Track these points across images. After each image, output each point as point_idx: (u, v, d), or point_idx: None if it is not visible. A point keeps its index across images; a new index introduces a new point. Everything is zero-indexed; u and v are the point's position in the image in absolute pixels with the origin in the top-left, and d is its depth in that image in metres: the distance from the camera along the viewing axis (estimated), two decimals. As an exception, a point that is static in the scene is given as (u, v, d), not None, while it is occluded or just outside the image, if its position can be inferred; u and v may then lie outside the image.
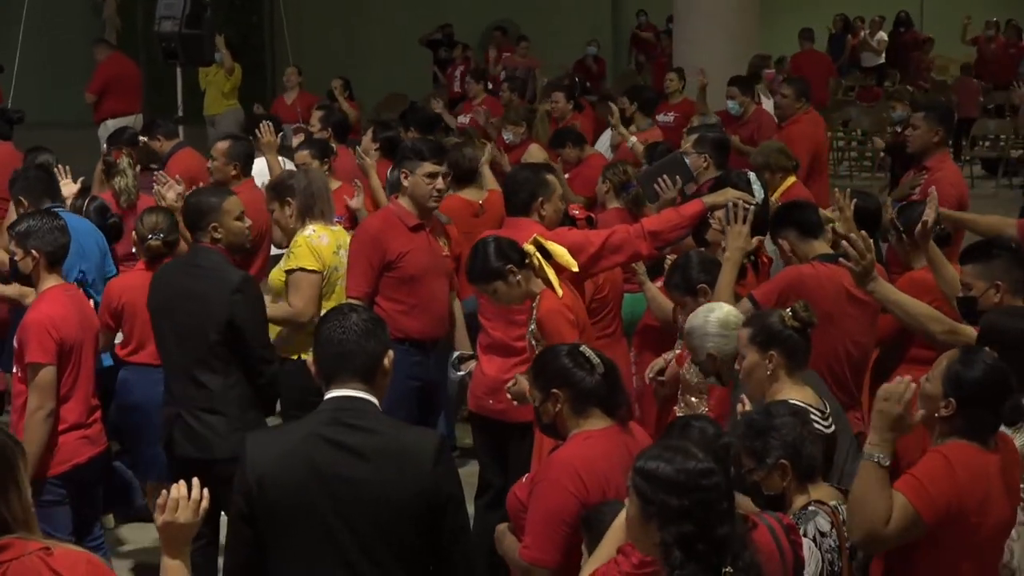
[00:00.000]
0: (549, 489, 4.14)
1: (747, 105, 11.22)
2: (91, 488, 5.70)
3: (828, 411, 4.59)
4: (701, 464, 3.31)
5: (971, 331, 5.01)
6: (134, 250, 6.60)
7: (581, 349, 4.31)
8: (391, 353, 3.78)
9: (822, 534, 4.01)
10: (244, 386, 5.57)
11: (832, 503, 4.05)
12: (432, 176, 6.39)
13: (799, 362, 4.67)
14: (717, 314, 5.13)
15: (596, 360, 4.26)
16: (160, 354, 5.85)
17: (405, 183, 6.47)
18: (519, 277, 5.41)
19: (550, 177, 6.20)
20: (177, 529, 3.38)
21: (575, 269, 5.48)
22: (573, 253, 5.63)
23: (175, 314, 5.66)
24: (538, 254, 5.41)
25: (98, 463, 5.69)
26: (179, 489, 3.38)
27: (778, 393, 4.55)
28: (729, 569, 3.21)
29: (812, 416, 4.40)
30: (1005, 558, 4.27)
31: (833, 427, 4.55)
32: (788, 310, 4.70)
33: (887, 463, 3.83)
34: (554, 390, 4.22)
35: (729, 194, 5.89)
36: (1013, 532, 4.36)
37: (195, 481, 3.44)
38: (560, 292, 5.41)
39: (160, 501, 3.37)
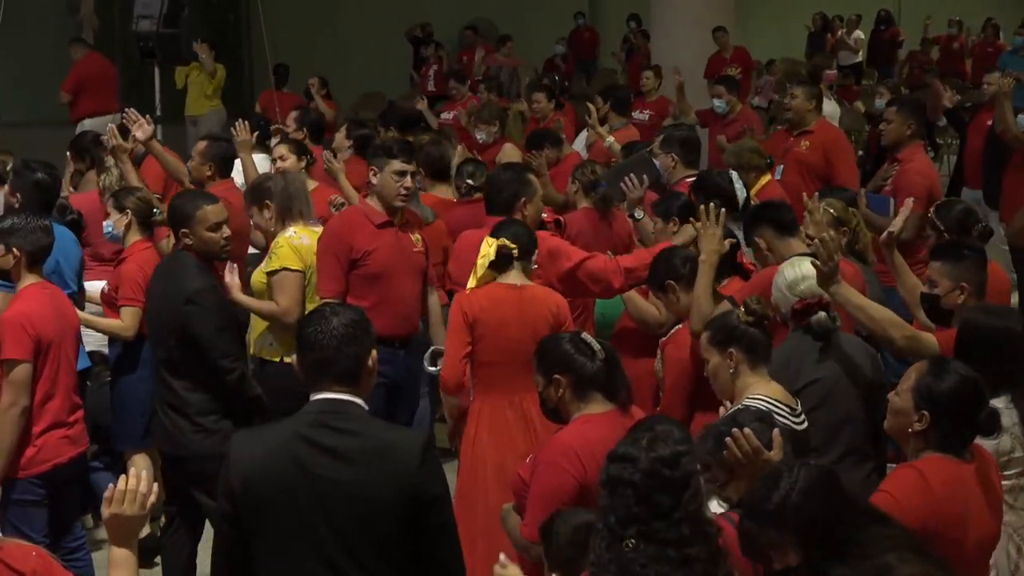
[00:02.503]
0: (548, 469, 4.30)
1: (733, 104, 11.11)
2: (71, 488, 5.69)
3: (799, 407, 4.60)
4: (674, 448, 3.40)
5: (931, 338, 5.01)
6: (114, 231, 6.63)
7: (582, 336, 4.48)
8: (375, 353, 3.78)
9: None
10: (204, 391, 5.69)
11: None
12: (400, 174, 6.35)
13: (761, 356, 4.64)
14: (795, 269, 5.19)
15: (597, 346, 4.42)
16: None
17: (374, 180, 6.46)
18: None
19: (532, 178, 6.26)
20: (124, 521, 3.42)
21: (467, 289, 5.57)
22: (549, 259, 5.84)
23: (151, 311, 5.90)
24: (490, 252, 5.46)
25: (79, 463, 5.71)
26: (126, 482, 3.41)
27: (746, 389, 4.55)
28: (632, 542, 3.27)
29: (780, 413, 4.40)
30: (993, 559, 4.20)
31: (805, 423, 4.55)
32: (741, 306, 4.72)
33: None
34: (556, 375, 4.39)
35: (689, 232, 5.92)
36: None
37: (142, 475, 3.47)
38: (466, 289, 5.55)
39: (107, 495, 3.41)
